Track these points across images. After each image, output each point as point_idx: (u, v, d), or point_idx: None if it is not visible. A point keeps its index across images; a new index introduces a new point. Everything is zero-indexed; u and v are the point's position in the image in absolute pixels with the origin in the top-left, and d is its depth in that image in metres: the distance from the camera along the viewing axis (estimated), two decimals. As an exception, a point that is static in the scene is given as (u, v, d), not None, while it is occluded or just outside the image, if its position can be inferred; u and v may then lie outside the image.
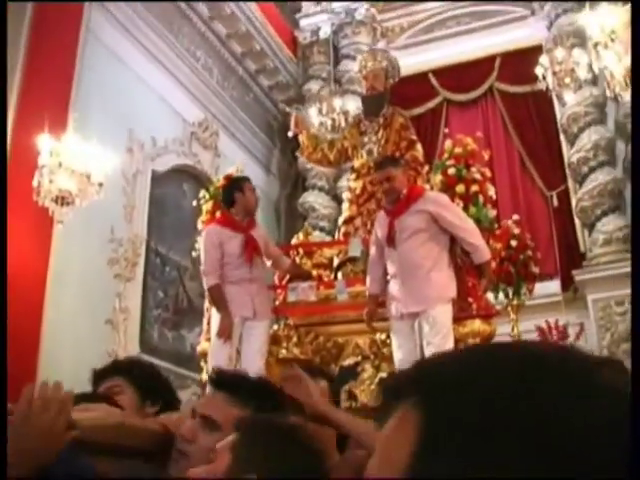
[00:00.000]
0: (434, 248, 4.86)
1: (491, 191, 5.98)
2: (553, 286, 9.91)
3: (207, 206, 6.56)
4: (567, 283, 9.81)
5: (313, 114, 10.80)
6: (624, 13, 6.05)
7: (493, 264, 6.16)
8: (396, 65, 6.86)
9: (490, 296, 5.80)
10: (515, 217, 7.09)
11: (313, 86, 12.46)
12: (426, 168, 6.32)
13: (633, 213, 5.49)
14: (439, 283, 4.81)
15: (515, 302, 6.47)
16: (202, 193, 6.90)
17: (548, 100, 10.28)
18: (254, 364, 5.08)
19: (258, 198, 5.66)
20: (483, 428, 0.51)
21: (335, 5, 12.76)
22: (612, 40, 6.40)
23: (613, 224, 9.57)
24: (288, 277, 5.99)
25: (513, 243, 6.57)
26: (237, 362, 5.24)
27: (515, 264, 6.52)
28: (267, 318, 5.43)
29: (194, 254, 7.09)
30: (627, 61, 5.74)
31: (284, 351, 5.78)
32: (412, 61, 12.06)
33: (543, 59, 8.84)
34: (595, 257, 9.60)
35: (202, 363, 5.98)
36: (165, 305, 9.33)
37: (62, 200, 6.39)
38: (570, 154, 10.25)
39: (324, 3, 12.86)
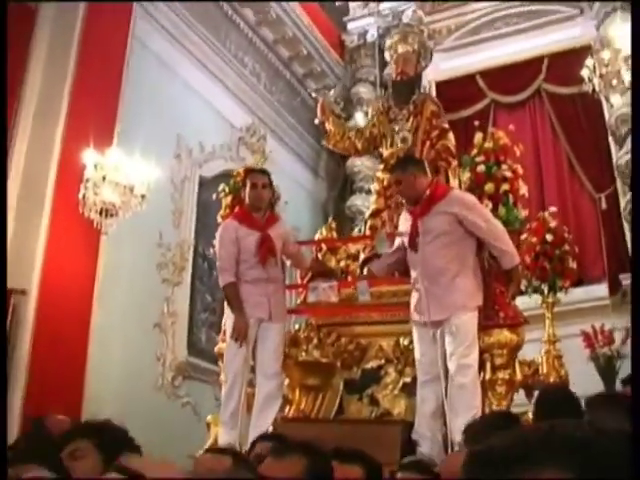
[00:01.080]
0: (459, 252, 4.61)
1: (523, 189, 5.58)
2: (601, 290, 9.80)
3: (226, 200, 6.27)
4: (615, 287, 9.69)
5: (359, 118, 10.89)
6: None
7: (527, 259, 5.84)
8: (428, 47, 6.51)
9: (520, 299, 5.53)
10: (552, 209, 6.73)
11: (361, 89, 12.53)
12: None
13: (633, 212, 5.36)
14: (464, 290, 4.56)
15: (550, 300, 6.14)
16: (221, 187, 6.60)
17: (596, 101, 10.16)
18: (270, 367, 5.00)
19: (263, 192, 5.18)
20: None
21: (382, 7, 12.80)
22: None
23: (662, 227, 9.41)
24: (310, 275, 5.65)
25: (549, 237, 6.15)
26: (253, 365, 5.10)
27: (551, 259, 6.09)
28: (283, 320, 5.24)
29: (212, 250, 6.93)
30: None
31: (304, 353, 5.58)
32: (459, 63, 12.10)
33: (589, 61, 8.75)
34: (644, 261, 9.45)
35: (220, 363, 5.68)
36: (212, 308, 9.48)
37: (106, 212, 6.57)
38: (619, 156, 10.11)
39: (372, 5, 12.91)
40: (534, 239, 6.04)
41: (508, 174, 5.45)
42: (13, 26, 6.69)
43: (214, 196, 6.44)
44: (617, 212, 10.22)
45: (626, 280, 9.45)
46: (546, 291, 6.36)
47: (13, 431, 5.75)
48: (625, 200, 9.97)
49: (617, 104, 9.73)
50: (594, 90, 8.78)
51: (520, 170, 5.70)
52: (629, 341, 8.48)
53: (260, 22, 11.18)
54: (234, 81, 10.69)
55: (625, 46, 6.72)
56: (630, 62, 5.54)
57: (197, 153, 9.65)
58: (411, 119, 6.05)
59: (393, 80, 6.38)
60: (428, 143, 5.95)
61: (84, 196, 6.50)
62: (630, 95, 6.02)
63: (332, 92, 7.08)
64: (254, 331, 5.00)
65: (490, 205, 5.27)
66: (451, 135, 6.05)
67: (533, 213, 10.46)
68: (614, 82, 8.51)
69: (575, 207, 10.71)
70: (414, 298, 4.72)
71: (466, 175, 5.58)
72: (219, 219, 6.22)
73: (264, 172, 5.48)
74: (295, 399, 5.60)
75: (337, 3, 13.17)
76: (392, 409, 5.30)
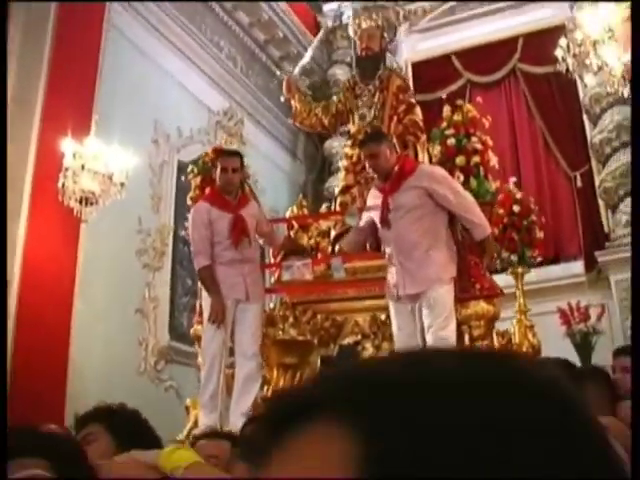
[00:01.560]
0: (431, 226, 4.60)
1: (493, 161, 5.60)
2: (577, 267, 9.95)
3: (196, 181, 6.20)
4: (591, 264, 9.82)
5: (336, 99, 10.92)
6: (622, 10, 6.04)
7: (496, 231, 5.75)
8: (392, 22, 6.55)
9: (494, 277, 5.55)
10: (513, 179, 6.73)
11: (337, 71, 12.54)
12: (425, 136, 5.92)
13: (633, 213, 5.44)
14: (438, 263, 4.56)
15: (520, 270, 6.14)
16: (190, 167, 6.52)
17: (571, 81, 10.24)
18: (249, 348, 5.00)
19: (233, 177, 5.14)
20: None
21: (357, -11, 12.79)
22: (610, 38, 6.41)
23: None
24: (283, 253, 5.68)
25: (515, 209, 6.13)
26: (231, 346, 5.13)
27: (519, 231, 6.10)
28: (261, 300, 5.23)
29: (183, 233, 6.79)
30: (626, 58, 5.76)
31: (281, 332, 5.59)
32: (435, 43, 12.15)
33: (562, 41, 8.82)
34: (618, 238, 9.59)
35: (197, 347, 5.75)
36: (193, 292, 9.50)
37: (86, 200, 6.60)
38: (593, 135, 10.23)
39: (346, -13, 12.90)
40: (501, 211, 5.98)
41: (478, 146, 5.49)
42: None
43: (183, 178, 6.38)
44: (592, 190, 10.35)
45: (601, 257, 9.60)
46: (516, 262, 6.36)
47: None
48: (600, 178, 10.10)
49: (590, 84, 9.82)
50: (568, 70, 8.85)
51: (490, 142, 5.72)
52: (604, 317, 8.67)
53: (235, 6, 11.16)
54: (210, 65, 10.68)
55: (594, 31, 6.82)
56: (631, 62, 5.61)
57: (175, 138, 9.65)
58: (377, 94, 6.03)
59: (358, 56, 6.38)
60: (395, 118, 5.92)
61: (63, 185, 6.52)
62: (631, 97, 6.10)
63: (297, 69, 7.01)
64: (231, 313, 5.00)
65: (462, 178, 5.30)
66: (418, 110, 6.02)
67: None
68: (587, 62, 8.59)
69: (551, 185, 10.83)
70: (389, 274, 4.74)
71: (436, 148, 5.60)
72: (189, 201, 6.19)
73: (234, 154, 5.46)
74: (273, 378, 5.62)
75: (312, -15, 13.16)
76: None
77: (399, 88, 6.06)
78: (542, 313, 9.21)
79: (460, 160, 5.39)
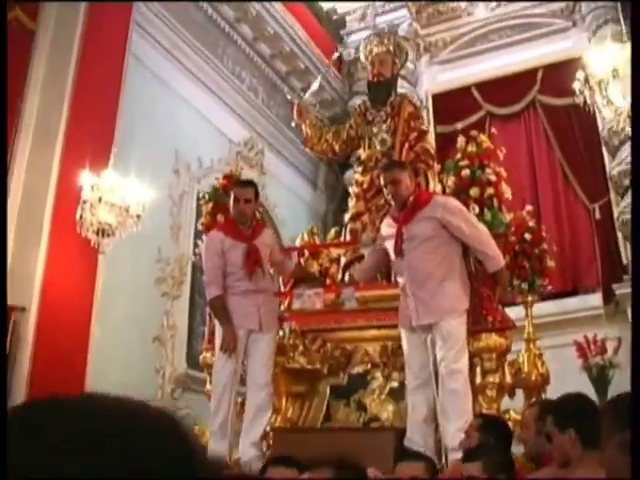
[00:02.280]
0: (445, 257, 4.63)
1: (507, 193, 5.58)
2: (595, 299, 9.91)
3: (207, 207, 6.18)
4: (609, 296, 9.78)
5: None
6: (626, 50, 6.08)
7: (507, 258, 5.65)
8: (404, 48, 6.45)
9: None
10: (528, 207, 6.62)
11: (358, 102, 12.61)
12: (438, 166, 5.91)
13: (633, 214, 5.40)
14: (452, 294, 4.57)
15: (530, 298, 6.08)
16: (202, 194, 6.51)
17: (590, 113, 10.27)
18: (261, 378, 5.01)
19: (245, 207, 5.11)
20: None
21: (378, 21, 12.93)
22: (614, 77, 6.44)
23: (656, 237, 9.52)
24: (293, 281, 5.69)
25: (527, 236, 6.06)
26: (243, 375, 5.13)
27: (530, 258, 6.00)
28: (274, 330, 5.21)
29: (194, 259, 6.78)
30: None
31: (290, 361, 5.58)
32: (455, 75, 12.25)
33: (579, 74, 8.86)
34: (637, 270, 9.55)
35: (206, 374, 5.79)
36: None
37: (103, 232, 6.73)
38: (612, 167, 10.23)
39: (368, 19, 13.05)
40: (513, 238, 5.92)
41: (492, 178, 5.44)
42: (12, 47, 6.87)
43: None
44: (611, 222, 10.33)
45: (620, 290, 9.55)
46: (526, 290, 6.28)
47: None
48: (618, 210, 10.09)
49: (608, 117, 9.84)
50: (585, 102, 8.88)
51: (504, 173, 5.65)
52: (621, 351, 8.61)
53: (257, 37, 11.34)
54: (232, 96, 10.83)
55: (600, 71, 6.86)
56: (631, 63, 5.60)
57: (195, 168, 9.79)
58: (389, 120, 6.02)
59: (369, 81, 6.31)
60: (407, 145, 5.91)
61: (81, 216, 6.66)
62: (630, 97, 6.07)
63: (307, 95, 7.07)
64: (244, 342, 5.01)
65: (477, 209, 5.26)
66: (430, 137, 6.10)
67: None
68: (604, 94, 8.62)
69: (569, 217, 10.83)
70: (402, 303, 4.74)
71: (451, 179, 5.56)
72: (199, 226, 6.20)
73: (248, 184, 5.42)
74: (282, 407, 5.62)
75: (334, 17, 13.33)
76: (380, 414, 5.31)
77: (410, 115, 6.05)
78: (559, 345, 9.17)
79: (474, 192, 5.37)
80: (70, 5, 7.68)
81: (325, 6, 13.10)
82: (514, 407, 5.32)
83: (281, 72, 12.00)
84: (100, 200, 6.64)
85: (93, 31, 7.78)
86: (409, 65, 12.30)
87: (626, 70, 6.17)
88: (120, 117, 7.87)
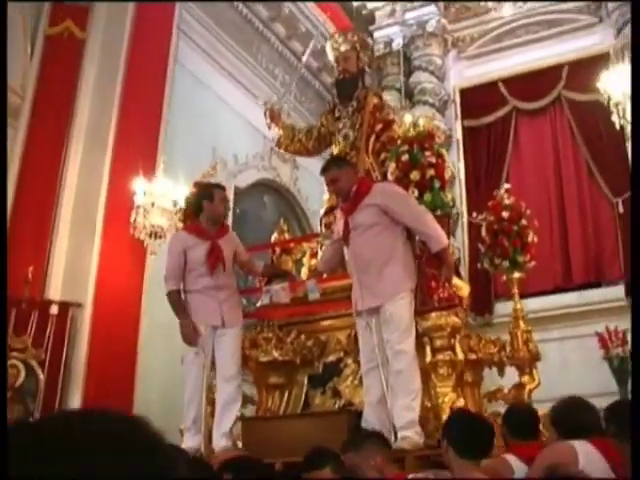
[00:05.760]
0: (386, 241, 4.75)
1: (449, 173, 5.61)
2: (618, 291, 10.17)
3: (179, 215, 6.50)
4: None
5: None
6: None
7: (487, 238, 5.89)
8: (368, 43, 6.59)
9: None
10: (506, 186, 6.54)
11: (387, 97, 12.92)
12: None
13: (633, 216, 5.60)
14: (394, 277, 4.70)
15: (517, 275, 5.91)
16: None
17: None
18: (228, 370, 5.14)
19: (228, 207, 5.49)
20: None
21: (407, 17, 13.19)
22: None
23: (678, 230, 9.73)
24: (266, 279, 5.81)
25: (505, 214, 5.99)
26: (212, 371, 5.24)
27: (509, 235, 5.95)
28: (237, 324, 5.30)
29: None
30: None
31: (263, 354, 5.73)
32: (482, 70, 12.49)
33: (603, 73, 9.10)
34: (659, 263, 9.78)
35: None
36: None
37: (155, 235, 7.16)
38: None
39: (397, 15, 13.31)
40: (492, 217, 5.98)
41: (432, 159, 5.52)
42: (64, 57, 7.29)
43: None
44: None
45: (642, 281, 9.79)
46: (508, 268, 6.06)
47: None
48: (641, 204, 10.30)
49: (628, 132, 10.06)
50: (609, 100, 9.11)
51: (444, 153, 5.77)
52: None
53: (290, 35, 11.68)
54: (266, 93, 11.16)
55: (616, 93, 7.07)
56: (631, 63, 5.77)
57: (232, 164, 10.17)
58: (355, 115, 6.19)
59: (336, 79, 6.56)
60: (373, 136, 6.07)
61: (135, 220, 7.10)
62: (630, 97, 6.26)
63: (275, 98, 7.34)
64: (211, 339, 5.17)
65: (416, 192, 5.38)
66: (396, 126, 6.09)
67: (554, 215, 10.88)
68: (621, 115, 8.85)
69: (593, 210, 11.07)
70: (352, 289, 4.92)
71: (392, 166, 5.66)
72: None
73: (224, 187, 5.71)
74: (263, 399, 5.82)
75: (363, 12, 13.60)
76: (353, 399, 5.45)
77: (375, 106, 6.21)
78: (582, 335, 9.52)
79: (414, 175, 5.47)
80: (118, 11, 8.07)
81: (355, 3, 13.37)
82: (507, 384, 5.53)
83: (312, 68, 12.31)
84: (153, 205, 7.06)
85: (139, 36, 8.16)
86: (436, 60, 12.66)
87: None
88: (165, 123, 8.23)
